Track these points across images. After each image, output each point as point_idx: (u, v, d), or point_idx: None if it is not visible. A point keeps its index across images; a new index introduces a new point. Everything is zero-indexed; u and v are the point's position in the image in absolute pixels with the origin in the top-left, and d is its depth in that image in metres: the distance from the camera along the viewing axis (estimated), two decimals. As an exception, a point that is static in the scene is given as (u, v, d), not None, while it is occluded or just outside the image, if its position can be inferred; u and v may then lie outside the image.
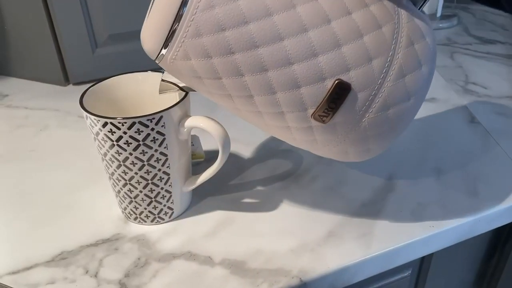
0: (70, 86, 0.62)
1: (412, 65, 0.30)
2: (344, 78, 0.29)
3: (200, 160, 0.45)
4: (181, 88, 0.35)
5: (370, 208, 0.40)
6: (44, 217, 0.40)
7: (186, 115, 0.35)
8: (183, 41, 0.29)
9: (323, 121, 0.30)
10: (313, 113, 0.30)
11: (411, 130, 0.50)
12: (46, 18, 0.56)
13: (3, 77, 0.64)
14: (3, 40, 0.61)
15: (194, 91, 0.35)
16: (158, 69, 0.36)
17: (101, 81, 0.38)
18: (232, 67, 0.29)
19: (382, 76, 0.29)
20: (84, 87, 0.62)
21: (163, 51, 0.30)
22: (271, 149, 0.48)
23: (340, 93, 0.29)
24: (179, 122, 0.35)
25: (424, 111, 0.54)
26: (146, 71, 0.39)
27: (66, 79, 0.61)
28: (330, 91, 0.29)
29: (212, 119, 0.35)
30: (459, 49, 0.70)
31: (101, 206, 0.41)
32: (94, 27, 0.59)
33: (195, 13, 0.28)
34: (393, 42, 0.29)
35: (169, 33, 0.29)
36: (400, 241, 0.37)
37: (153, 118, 0.33)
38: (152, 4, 0.31)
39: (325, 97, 0.29)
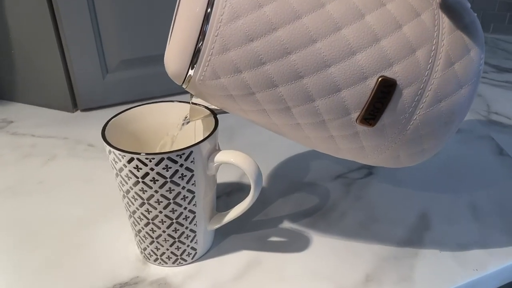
0: (78, 113, 0.59)
1: (460, 51, 0.28)
2: (388, 74, 0.27)
3: None
4: (212, 111, 0.33)
5: (407, 249, 0.37)
6: (55, 257, 0.37)
7: (215, 149, 0.33)
8: (209, 59, 0.27)
9: (370, 124, 0.28)
10: (358, 117, 0.28)
11: (440, 163, 0.48)
12: (55, 42, 0.54)
13: (7, 103, 0.62)
14: (10, 64, 0.58)
15: (226, 112, 0.33)
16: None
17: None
18: (264, 79, 0.27)
19: (429, 67, 0.27)
20: (92, 113, 0.60)
21: (189, 74, 0.28)
22: (295, 182, 0.45)
23: (385, 91, 0.27)
24: (208, 157, 0.32)
25: (450, 142, 0.52)
26: (173, 101, 0.36)
27: (74, 105, 0.59)
28: (374, 90, 0.27)
29: (243, 153, 0.32)
30: (475, 78, 0.69)
31: (117, 244, 0.38)
32: (105, 52, 0.57)
33: (219, 28, 0.26)
34: (436, 29, 0.27)
35: (194, 53, 0.27)
36: (443, 286, 0.34)
37: (183, 154, 0.30)
38: (173, 25, 0.29)
39: (369, 97, 0.27)
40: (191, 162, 0.31)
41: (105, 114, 0.59)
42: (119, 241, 0.38)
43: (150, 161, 0.30)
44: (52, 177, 0.47)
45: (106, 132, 0.32)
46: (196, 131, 0.37)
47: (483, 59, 0.29)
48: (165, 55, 0.30)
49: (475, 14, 0.30)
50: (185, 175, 0.31)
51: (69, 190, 0.45)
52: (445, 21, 0.28)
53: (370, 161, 0.31)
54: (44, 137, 0.54)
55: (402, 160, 0.31)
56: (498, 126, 0.56)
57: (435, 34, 0.27)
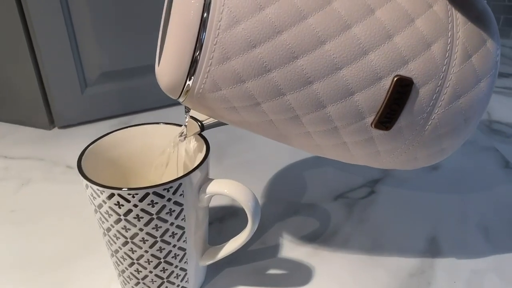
0: (56, 130, 0.55)
1: (476, 42, 0.26)
2: (403, 73, 0.25)
3: None
4: (203, 128, 0.30)
5: (419, 279, 0.34)
6: (28, 300, 0.33)
7: (207, 179, 0.29)
8: (208, 70, 0.25)
9: (386, 128, 0.26)
10: (373, 121, 0.26)
11: (445, 178, 0.45)
12: (28, 53, 0.50)
13: (-23, 120, 0.57)
14: (-21, 78, 0.54)
15: (225, 124, 0.30)
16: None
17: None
18: (270, 88, 0.25)
19: (446, 61, 0.25)
20: (71, 131, 0.56)
21: (187, 86, 0.25)
22: (292, 204, 0.42)
23: (401, 91, 0.25)
24: (200, 188, 0.29)
25: (454, 156, 0.49)
26: (158, 123, 0.32)
27: (51, 122, 0.55)
28: (390, 91, 0.25)
29: (238, 183, 0.29)
30: (472, 84, 0.67)
31: (98, 283, 0.34)
32: (84, 64, 0.53)
33: (218, 35, 0.24)
34: (450, 21, 0.26)
35: (190, 64, 0.25)
36: (461, 322, 0.31)
37: (171, 187, 0.26)
38: (164, 35, 0.26)
39: (384, 99, 0.25)
40: (180, 195, 0.27)
41: (85, 131, 0.55)
42: (100, 279, 0.34)
43: (133, 196, 0.26)
44: (26, 205, 0.42)
45: (82, 162, 0.28)
46: (179, 153, 0.34)
47: (499, 49, 0.27)
48: (156, 68, 0.27)
49: (485, 1, 0.28)
50: (174, 210, 0.27)
51: (45, 220, 0.40)
52: (458, 11, 0.26)
53: (385, 165, 0.29)
54: (18, 158, 0.49)
55: (419, 161, 0.29)
56: (501, 136, 0.53)
57: (450, 26, 0.26)
